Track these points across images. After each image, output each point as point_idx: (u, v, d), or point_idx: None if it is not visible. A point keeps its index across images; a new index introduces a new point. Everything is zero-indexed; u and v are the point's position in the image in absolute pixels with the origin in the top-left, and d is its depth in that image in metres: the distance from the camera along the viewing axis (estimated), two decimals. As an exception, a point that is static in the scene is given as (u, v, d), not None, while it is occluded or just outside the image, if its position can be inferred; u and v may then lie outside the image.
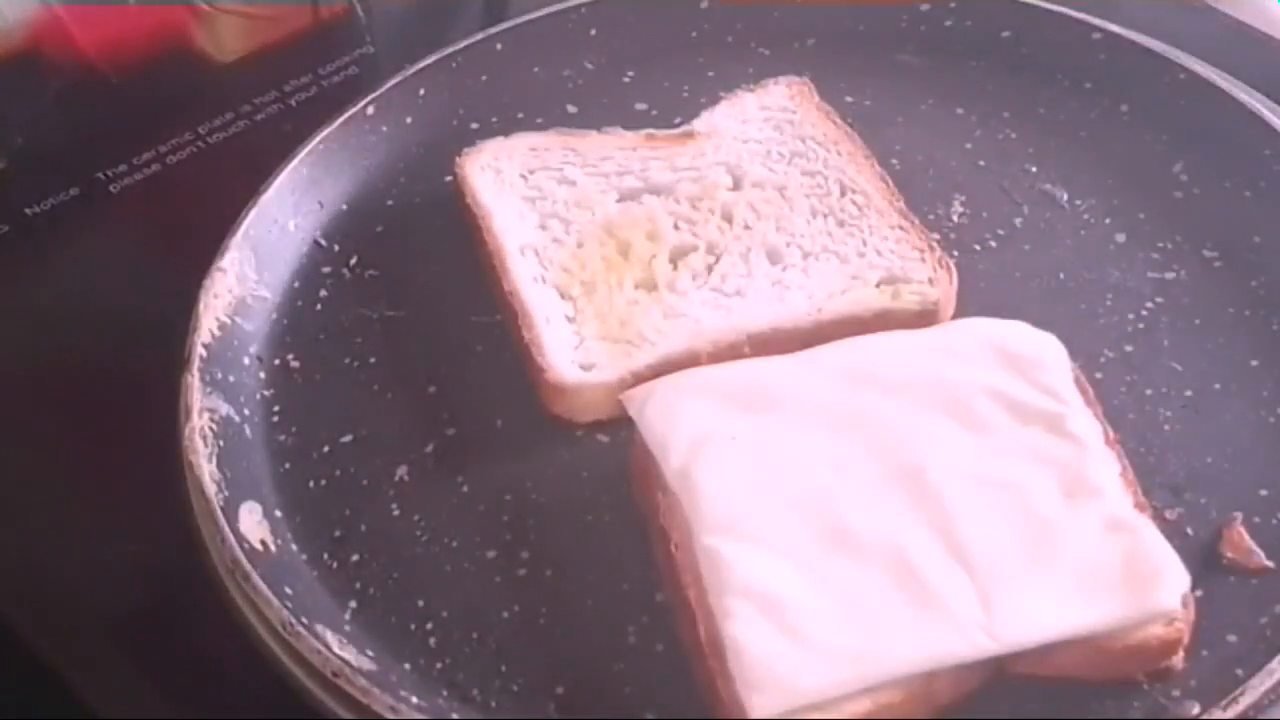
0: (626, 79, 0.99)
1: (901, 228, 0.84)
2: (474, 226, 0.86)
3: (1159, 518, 0.71)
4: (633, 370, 0.78)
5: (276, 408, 0.81)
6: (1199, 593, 0.68)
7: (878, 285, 0.81)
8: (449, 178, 0.90)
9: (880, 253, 0.83)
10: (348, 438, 0.80)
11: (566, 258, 0.84)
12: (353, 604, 0.73)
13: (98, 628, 0.75)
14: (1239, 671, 0.66)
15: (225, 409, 0.79)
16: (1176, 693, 0.66)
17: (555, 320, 0.81)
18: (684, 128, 0.91)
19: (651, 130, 0.91)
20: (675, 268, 0.83)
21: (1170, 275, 0.84)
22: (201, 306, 0.82)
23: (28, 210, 0.94)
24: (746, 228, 0.84)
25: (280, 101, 1.00)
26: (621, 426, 0.77)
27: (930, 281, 0.81)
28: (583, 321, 0.81)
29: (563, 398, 0.78)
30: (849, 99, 0.96)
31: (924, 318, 0.80)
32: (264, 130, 1.00)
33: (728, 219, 0.85)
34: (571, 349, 0.79)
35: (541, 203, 0.87)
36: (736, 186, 0.87)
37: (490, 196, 0.87)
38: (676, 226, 0.85)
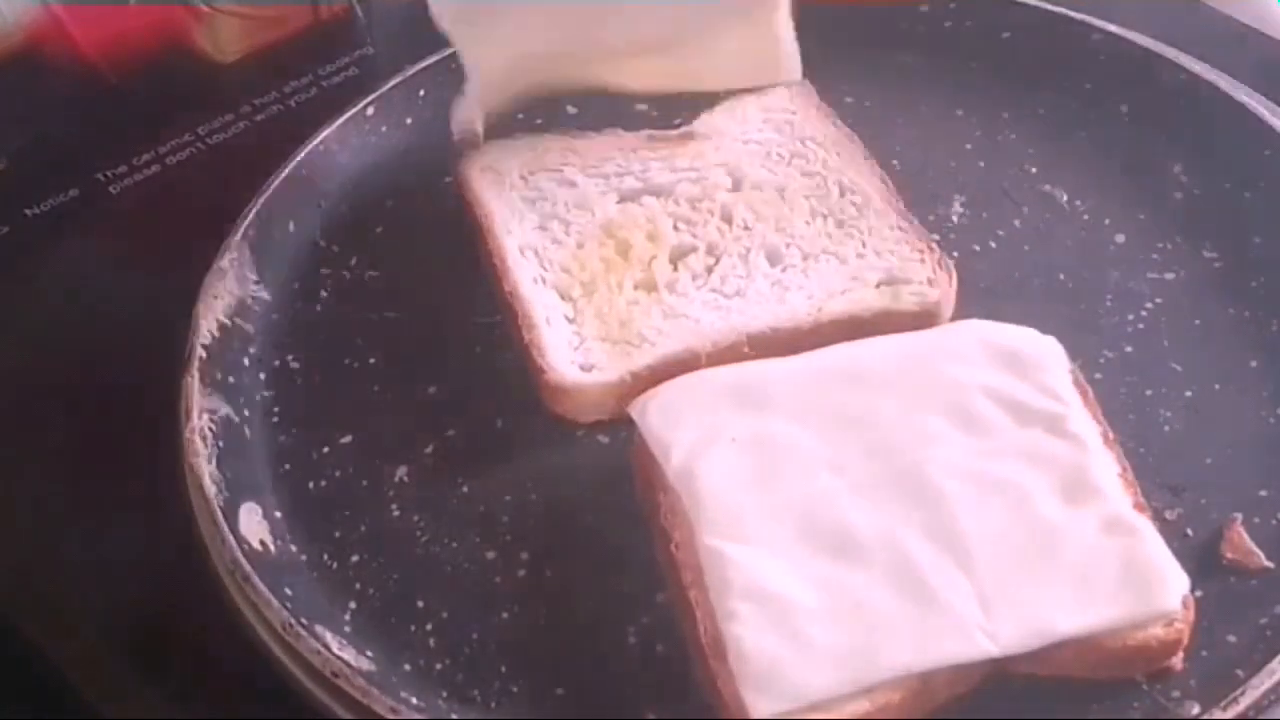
0: (626, 79, 0.99)
1: (901, 228, 0.84)
2: (474, 227, 0.86)
3: (1159, 518, 0.71)
4: (632, 371, 0.78)
5: (276, 408, 0.81)
6: (1199, 593, 0.68)
7: (877, 286, 0.81)
8: (449, 178, 0.90)
9: (880, 254, 0.82)
10: (347, 438, 0.80)
11: (566, 258, 0.84)
12: (352, 605, 0.73)
13: (98, 628, 0.75)
14: (1239, 672, 0.66)
15: (225, 410, 0.79)
16: (1176, 693, 0.67)
17: (555, 321, 0.81)
18: (684, 129, 0.91)
19: (651, 131, 0.91)
20: (675, 268, 0.82)
21: (1170, 276, 0.84)
22: (201, 307, 0.82)
23: (28, 211, 0.94)
24: (746, 229, 0.84)
25: (280, 102, 1.00)
26: (621, 426, 0.77)
27: (929, 282, 0.81)
28: (583, 322, 0.81)
29: (563, 398, 0.78)
30: (849, 100, 0.96)
31: (924, 318, 0.80)
32: (264, 131, 1.00)
33: (727, 220, 0.85)
34: (572, 350, 0.79)
35: (541, 204, 0.87)
36: (736, 188, 0.87)
37: (490, 197, 0.87)
38: (676, 228, 0.84)
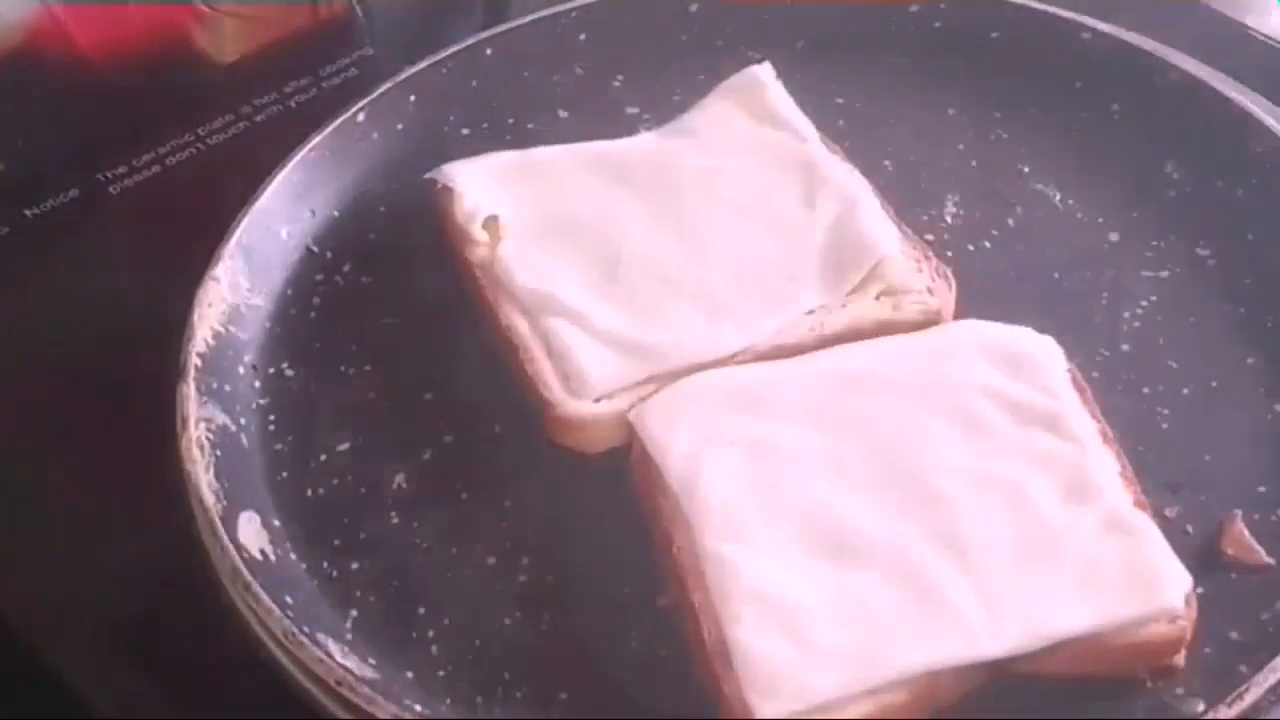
0: (617, 83, 0.99)
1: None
2: (462, 265, 0.85)
3: (1158, 516, 0.71)
4: (641, 397, 0.76)
5: (272, 416, 0.81)
6: (1200, 590, 0.68)
7: (877, 298, 0.80)
8: (440, 185, 0.89)
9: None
10: (344, 446, 0.79)
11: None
12: (354, 612, 0.72)
13: (99, 632, 0.75)
14: (1242, 668, 0.66)
15: (221, 418, 0.79)
16: (1180, 690, 0.67)
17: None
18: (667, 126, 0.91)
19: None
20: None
21: (1164, 274, 0.84)
22: (195, 315, 0.81)
23: (27, 212, 0.93)
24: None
25: (280, 103, 1.00)
26: (622, 433, 0.77)
27: (929, 291, 0.80)
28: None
29: (575, 431, 0.77)
30: (839, 101, 0.96)
31: (924, 327, 0.79)
32: (264, 132, 0.99)
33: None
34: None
35: None
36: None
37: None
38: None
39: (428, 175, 0.88)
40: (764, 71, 0.92)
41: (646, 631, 0.71)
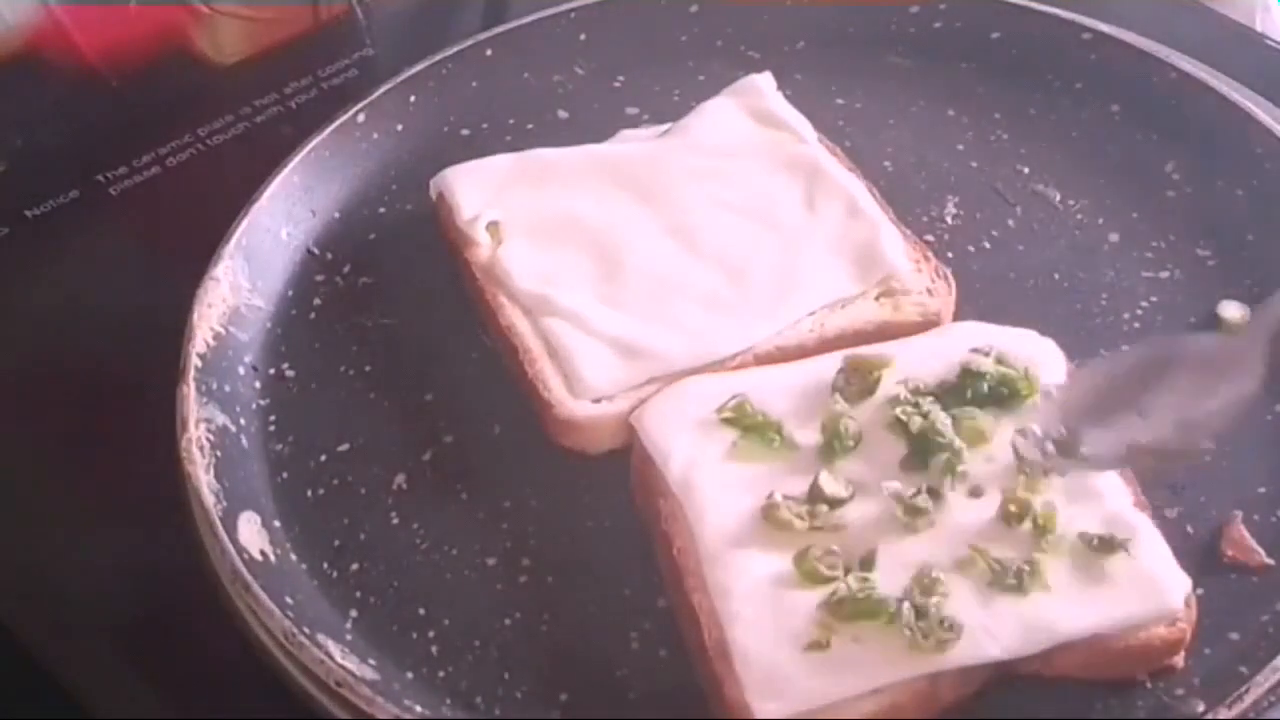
0: (617, 83, 0.99)
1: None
2: (461, 266, 0.85)
3: (1159, 516, 0.71)
4: (642, 399, 0.76)
5: (273, 417, 0.81)
6: (1200, 591, 0.68)
7: (877, 299, 0.81)
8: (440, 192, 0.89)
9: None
10: (345, 446, 0.79)
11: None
12: (354, 613, 0.72)
13: (99, 633, 0.75)
14: (1242, 669, 0.66)
15: (222, 419, 0.79)
16: (1180, 691, 0.67)
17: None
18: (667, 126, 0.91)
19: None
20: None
21: (1164, 274, 0.84)
22: (196, 316, 0.81)
23: (28, 212, 0.93)
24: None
25: (280, 104, 1.00)
26: (622, 434, 0.77)
27: (929, 291, 0.80)
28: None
29: (575, 432, 0.77)
30: (840, 101, 0.96)
31: (924, 328, 0.79)
32: (264, 132, 0.99)
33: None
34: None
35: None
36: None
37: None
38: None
39: (430, 183, 0.88)
40: (764, 80, 0.92)
41: (646, 633, 0.71)
